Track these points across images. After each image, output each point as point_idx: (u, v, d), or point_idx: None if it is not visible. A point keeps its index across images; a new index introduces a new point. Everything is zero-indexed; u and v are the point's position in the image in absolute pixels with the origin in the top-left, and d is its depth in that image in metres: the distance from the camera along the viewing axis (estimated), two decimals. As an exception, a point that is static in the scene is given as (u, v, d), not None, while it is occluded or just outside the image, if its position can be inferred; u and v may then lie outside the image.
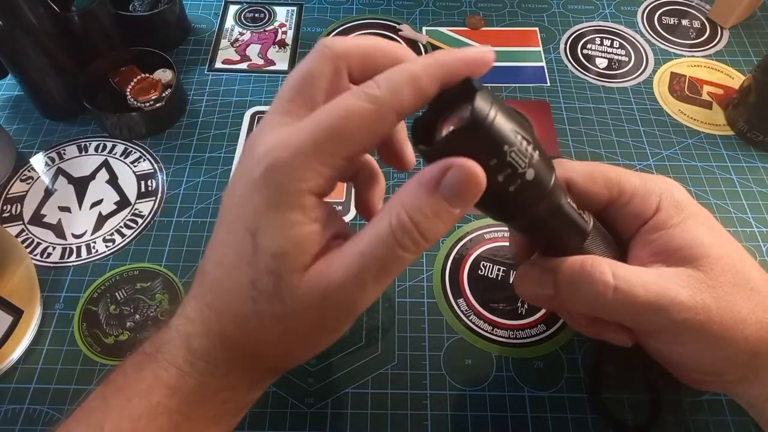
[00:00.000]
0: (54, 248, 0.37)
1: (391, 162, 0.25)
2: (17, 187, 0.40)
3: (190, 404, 0.21)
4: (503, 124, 0.18)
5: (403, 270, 0.20)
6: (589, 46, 0.49)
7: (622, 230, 0.26)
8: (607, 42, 0.49)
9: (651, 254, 0.25)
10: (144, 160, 0.41)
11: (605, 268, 0.23)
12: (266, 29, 0.50)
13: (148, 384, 0.21)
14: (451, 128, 0.19)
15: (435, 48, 0.49)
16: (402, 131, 0.25)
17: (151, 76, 0.43)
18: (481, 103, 0.18)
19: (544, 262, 0.25)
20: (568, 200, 0.23)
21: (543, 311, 0.34)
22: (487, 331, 0.34)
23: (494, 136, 0.18)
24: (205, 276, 0.22)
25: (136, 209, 0.39)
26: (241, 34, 0.50)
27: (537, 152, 0.19)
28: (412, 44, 0.49)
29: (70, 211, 0.39)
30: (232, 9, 0.52)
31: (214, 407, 0.21)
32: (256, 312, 0.20)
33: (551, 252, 0.25)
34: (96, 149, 0.42)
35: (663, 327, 0.23)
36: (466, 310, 0.34)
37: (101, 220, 0.38)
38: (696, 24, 0.51)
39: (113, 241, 0.37)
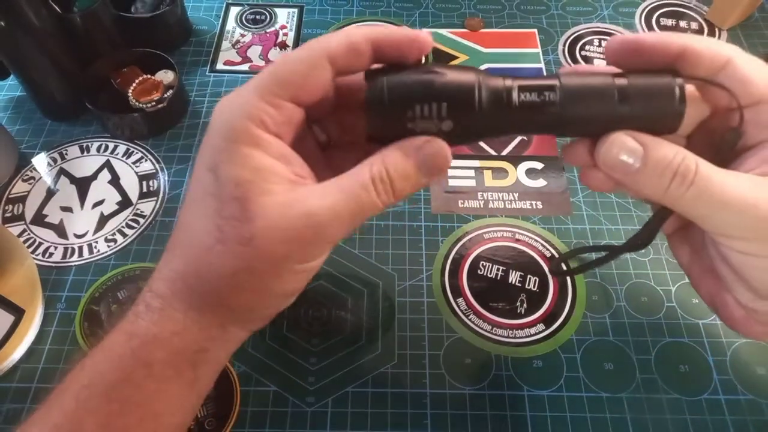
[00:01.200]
0: (56, 248, 0.37)
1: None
2: (19, 188, 0.40)
3: (144, 348, 0.21)
4: (397, 99, 0.21)
5: (367, 218, 0.21)
6: (587, 47, 0.49)
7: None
8: (605, 43, 0.50)
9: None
10: (146, 160, 0.42)
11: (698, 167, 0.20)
12: (267, 31, 0.50)
13: (110, 336, 0.21)
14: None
15: (435, 50, 0.49)
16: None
17: (152, 77, 0.44)
18: (370, 91, 0.21)
19: (636, 135, 0.21)
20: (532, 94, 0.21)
21: (543, 311, 0.34)
22: (486, 331, 0.34)
23: (392, 114, 0.21)
24: (176, 224, 0.22)
25: (137, 209, 0.39)
26: (243, 35, 0.50)
27: (444, 105, 0.20)
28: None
29: (72, 211, 0.39)
30: (234, 11, 0.52)
31: (168, 353, 0.21)
32: (221, 239, 0.20)
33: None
34: (98, 150, 0.42)
35: (740, 232, 0.20)
36: (465, 310, 0.35)
37: (103, 220, 0.38)
38: (694, 25, 0.51)
39: (115, 241, 0.37)
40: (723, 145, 0.21)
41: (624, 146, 0.20)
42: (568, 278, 0.36)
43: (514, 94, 0.20)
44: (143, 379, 0.21)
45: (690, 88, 0.21)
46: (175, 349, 0.21)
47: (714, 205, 0.20)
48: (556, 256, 0.37)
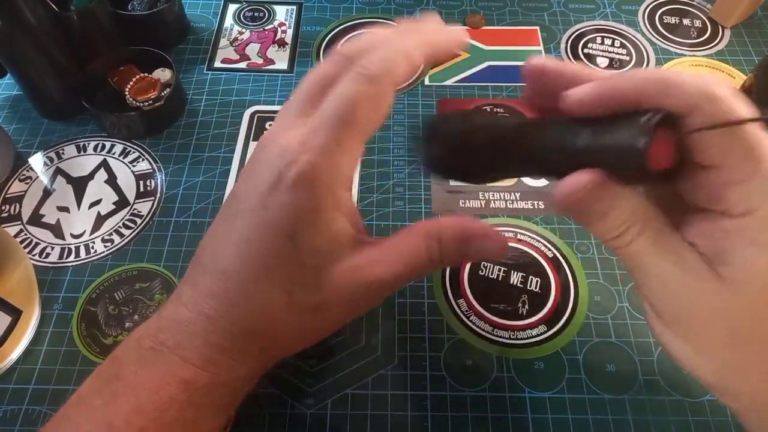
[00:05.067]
0: (53, 248, 0.37)
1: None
2: (16, 187, 0.40)
3: (200, 395, 0.21)
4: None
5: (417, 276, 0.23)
6: (590, 45, 0.49)
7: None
8: (608, 41, 0.49)
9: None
10: (143, 159, 0.41)
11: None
12: (266, 28, 0.50)
13: (159, 381, 0.21)
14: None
15: (435, 47, 0.48)
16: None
17: (150, 76, 0.43)
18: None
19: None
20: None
21: (544, 312, 0.34)
22: (487, 332, 0.33)
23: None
24: (232, 275, 0.21)
25: (134, 209, 0.39)
26: (241, 33, 0.50)
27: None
28: (412, 43, 0.49)
29: (68, 211, 0.39)
30: (232, 8, 0.51)
31: (221, 396, 0.22)
32: (289, 303, 0.21)
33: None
34: (95, 149, 0.42)
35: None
36: (466, 311, 0.34)
37: (100, 220, 0.38)
38: (697, 23, 0.51)
39: (112, 241, 0.37)
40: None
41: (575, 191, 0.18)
42: (570, 279, 0.35)
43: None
44: (197, 419, 0.21)
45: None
46: (229, 393, 0.22)
47: (636, 281, 0.20)
48: (558, 256, 0.36)
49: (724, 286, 0.17)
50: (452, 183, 0.40)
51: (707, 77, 0.17)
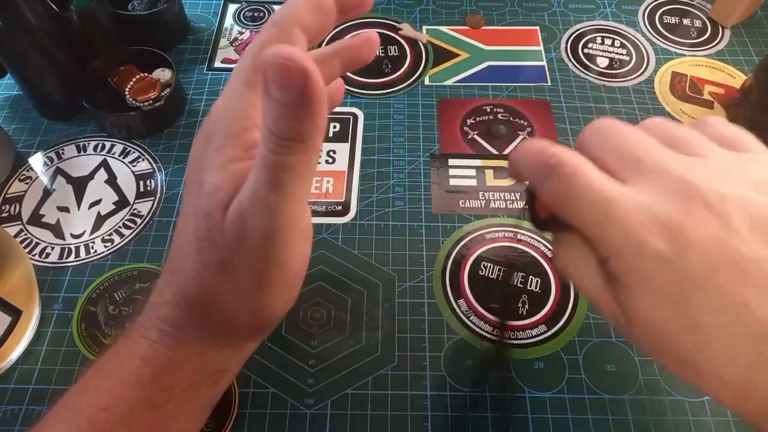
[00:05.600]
0: (53, 248, 0.37)
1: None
2: (16, 187, 0.40)
3: (163, 373, 0.20)
4: None
5: (302, 175, 0.17)
6: (590, 45, 0.49)
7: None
8: (608, 41, 0.49)
9: None
10: (143, 159, 0.41)
11: None
12: (266, 28, 0.50)
13: (121, 359, 0.21)
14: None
15: (435, 48, 0.48)
16: None
17: (149, 76, 0.43)
18: None
19: None
20: None
21: (544, 312, 0.34)
22: (487, 332, 0.33)
23: None
24: (174, 246, 0.21)
25: (134, 209, 0.39)
26: (240, 33, 0.50)
27: None
28: (413, 43, 0.49)
29: (68, 211, 0.39)
30: (231, 8, 0.51)
31: (188, 376, 0.21)
32: (203, 263, 0.19)
33: None
34: (95, 149, 0.42)
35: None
36: (466, 311, 0.34)
37: (100, 220, 0.38)
38: (697, 23, 0.51)
39: (112, 241, 0.37)
40: None
41: None
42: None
43: None
44: (164, 402, 0.20)
45: None
46: (196, 371, 0.21)
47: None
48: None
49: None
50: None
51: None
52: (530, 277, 0.35)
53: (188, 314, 0.21)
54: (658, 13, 0.51)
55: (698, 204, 0.17)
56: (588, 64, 0.47)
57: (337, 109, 0.44)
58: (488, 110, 0.44)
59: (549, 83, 0.46)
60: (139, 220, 0.38)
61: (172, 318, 0.21)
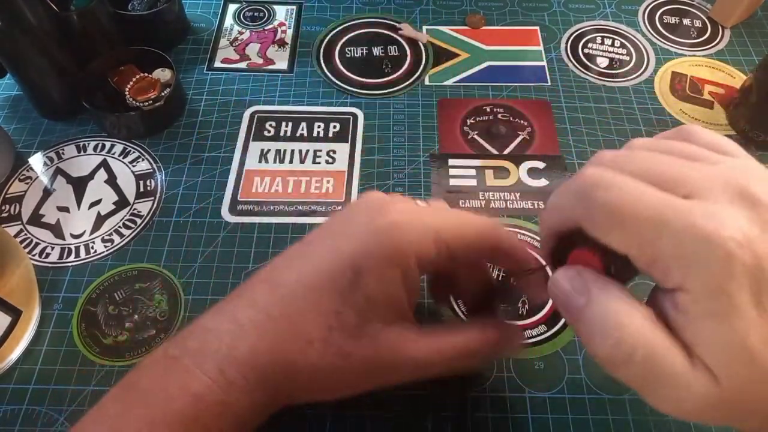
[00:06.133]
0: (53, 248, 0.37)
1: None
2: (16, 187, 0.40)
3: (209, 416, 0.20)
4: None
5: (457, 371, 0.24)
6: (590, 45, 0.49)
7: None
8: (608, 41, 0.49)
9: None
10: (143, 159, 0.41)
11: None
12: (265, 28, 0.50)
13: (172, 391, 0.20)
14: None
15: (435, 48, 0.48)
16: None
17: (150, 76, 0.43)
18: None
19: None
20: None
21: (544, 312, 0.34)
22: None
23: None
24: (280, 288, 0.21)
25: (134, 209, 0.39)
26: (241, 33, 0.50)
27: None
28: (413, 43, 0.49)
29: (68, 211, 0.39)
30: (232, 8, 0.51)
31: (230, 422, 0.21)
32: (326, 340, 0.20)
33: None
34: (95, 149, 0.42)
35: None
36: (466, 311, 0.34)
37: (100, 220, 0.38)
38: (697, 23, 0.51)
39: (112, 241, 0.37)
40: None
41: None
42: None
43: None
44: None
45: None
46: (237, 419, 0.21)
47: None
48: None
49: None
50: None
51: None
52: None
53: (262, 367, 0.21)
54: (658, 13, 0.51)
55: (763, 209, 0.16)
56: (588, 64, 0.47)
57: (337, 109, 0.44)
58: (488, 110, 0.44)
59: (549, 83, 0.46)
60: (139, 220, 0.38)
61: (244, 362, 0.20)
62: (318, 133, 0.43)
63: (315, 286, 0.21)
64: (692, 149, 0.19)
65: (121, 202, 0.39)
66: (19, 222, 0.38)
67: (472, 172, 0.41)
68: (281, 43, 0.49)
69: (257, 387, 0.21)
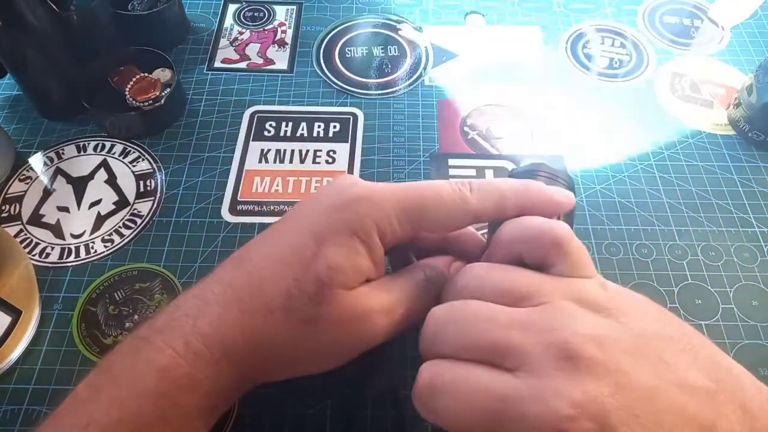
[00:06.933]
0: (53, 248, 0.37)
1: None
2: (16, 187, 0.40)
3: (177, 390, 0.20)
4: None
5: (419, 314, 0.22)
6: (590, 45, 0.49)
7: None
8: (608, 41, 0.49)
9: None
10: (143, 159, 0.41)
11: None
12: (265, 28, 0.50)
13: (139, 369, 0.20)
14: None
15: (435, 48, 0.48)
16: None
17: (150, 76, 0.43)
18: None
19: None
20: None
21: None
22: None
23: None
24: (246, 263, 0.22)
25: (134, 209, 0.39)
26: (241, 33, 0.50)
27: None
28: (413, 43, 0.49)
29: (68, 211, 0.39)
30: (232, 8, 0.51)
31: (199, 397, 0.21)
32: (286, 307, 0.21)
33: None
34: (95, 149, 0.42)
35: None
36: (466, 311, 0.34)
37: (100, 220, 0.38)
38: (697, 23, 0.51)
39: (112, 241, 0.37)
40: None
41: None
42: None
43: None
44: (176, 419, 0.20)
45: None
46: (206, 394, 0.21)
47: None
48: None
49: None
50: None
51: None
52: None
53: (226, 338, 0.21)
54: (658, 13, 0.51)
55: (585, 365, 0.16)
56: (588, 64, 0.47)
57: (337, 109, 0.44)
58: (488, 110, 0.44)
59: (549, 83, 0.46)
60: (139, 220, 0.38)
61: (208, 333, 0.21)
62: (318, 133, 0.43)
63: (278, 258, 0.21)
64: (518, 289, 0.20)
65: (121, 202, 0.39)
66: (19, 222, 0.38)
67: (472, 172, 0.41)
68: (281, 43, 0.49)
69: (223, 358, 0.21)
